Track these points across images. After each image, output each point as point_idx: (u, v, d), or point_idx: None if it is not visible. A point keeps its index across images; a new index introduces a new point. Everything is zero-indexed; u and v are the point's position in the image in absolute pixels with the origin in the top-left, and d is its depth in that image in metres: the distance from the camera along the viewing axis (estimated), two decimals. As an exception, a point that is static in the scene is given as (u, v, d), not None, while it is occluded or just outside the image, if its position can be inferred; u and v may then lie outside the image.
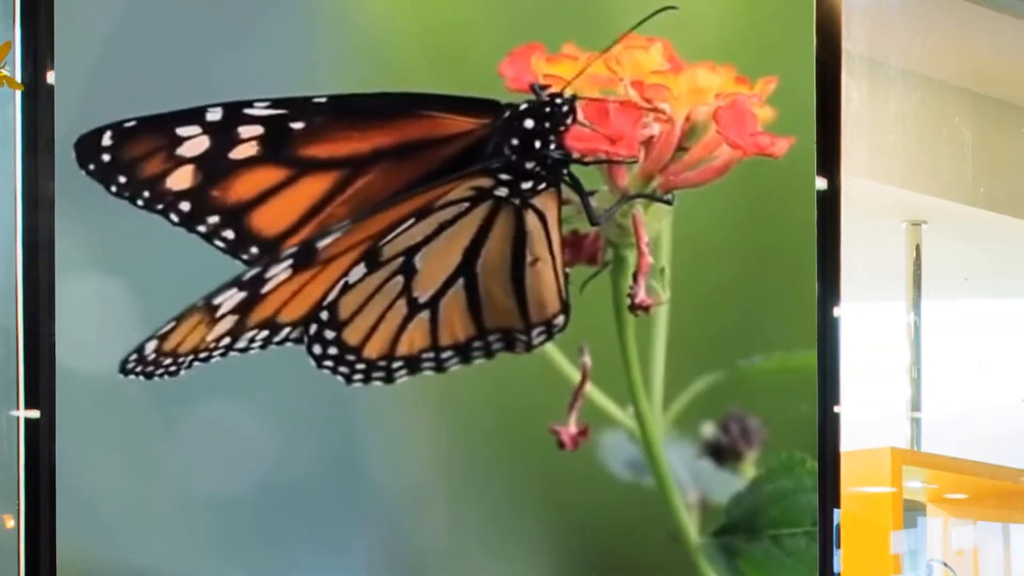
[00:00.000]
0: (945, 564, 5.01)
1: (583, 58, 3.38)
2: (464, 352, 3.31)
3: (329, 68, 3.33)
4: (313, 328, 3.19)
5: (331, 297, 3.20)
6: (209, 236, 3.14)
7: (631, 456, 3.48)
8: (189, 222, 3.12)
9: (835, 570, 3.76)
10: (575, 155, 3.38)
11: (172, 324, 3.09)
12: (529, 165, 3.33)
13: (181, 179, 3.10)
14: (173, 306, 3.15)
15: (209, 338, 3.11)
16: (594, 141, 3.39)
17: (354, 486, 3.29)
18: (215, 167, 3.13)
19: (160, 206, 3.10)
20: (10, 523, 3.01)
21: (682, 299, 3.52)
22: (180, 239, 3.16)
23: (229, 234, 3.15)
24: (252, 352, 3.15)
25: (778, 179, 3.68)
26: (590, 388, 3.43)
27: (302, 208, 3.20)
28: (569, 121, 3.35)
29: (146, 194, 3.08)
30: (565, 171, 3.37)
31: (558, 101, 3.34)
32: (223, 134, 3.13)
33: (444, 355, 3.30)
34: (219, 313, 3.12)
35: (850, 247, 3.86)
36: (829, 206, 3.80)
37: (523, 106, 3.32)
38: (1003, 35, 4.33)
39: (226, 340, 3.13)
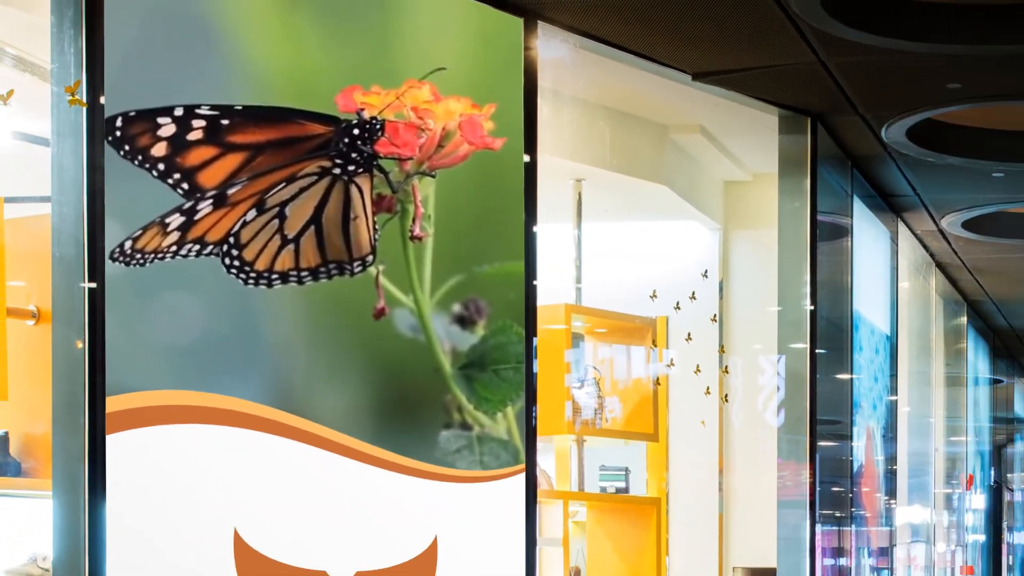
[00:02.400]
0: (595, 368, 5.14)
1: (383, 93, 3.42)
2: (315, 274, 3.32)
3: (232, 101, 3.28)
4: (225, 247, 3.19)
5: (236, 229, 3.19)
6: (173, 187, 3.11)
7: (412, 323, 3.52)
8: (162, 177, 3.09)
9: (534, 371, 3.84)
10: (380, 153, 3.42)
11: (140, 231, 3.06)
12: (354, 155, 3.36)
13: (159, 150, 3.08)
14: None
15: (163, 244, 3.08)
16: (390, 146, 3.44)
17: (253, 340, 3.26)
18: (178, 144, 3.10)
19: (147, 166, 3.07)
20: (80, 345, 2.99)
21: (441, 233, 3.58)
22: (166, 194, 3.11)
23: (185, 186, 3.12)
24: (190, 258, 3.12)
25: (497, 161, 3.74)
26: (389, 284, 3.47)
27: (225, 174, 3.18)
28: (380, 134, 3.39)
29: (139, 158, 3.06)
30: (375, 163, 3.41)
31: (374, 120, 3.39)
32: (183, 124, 3.10)
33: (303, 275, 3.30)
34: (168, 228, 3.10)
35: (543, 195, 3.90)
36: (531, 172, 3.86)
37: (354, 121, 3.36)
38: (626, 77, 4.40)
39: (174, 248, 3.10)
